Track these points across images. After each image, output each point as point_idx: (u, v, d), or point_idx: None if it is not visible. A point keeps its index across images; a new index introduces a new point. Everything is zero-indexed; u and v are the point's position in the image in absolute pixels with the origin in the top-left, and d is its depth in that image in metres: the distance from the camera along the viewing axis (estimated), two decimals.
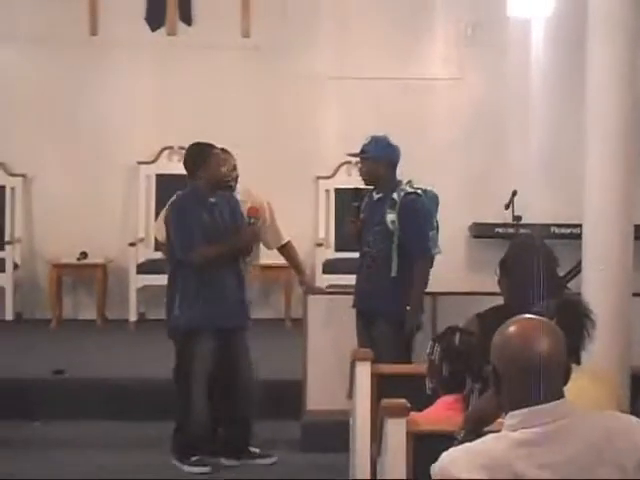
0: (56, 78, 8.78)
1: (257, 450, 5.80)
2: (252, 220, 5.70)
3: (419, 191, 5.60)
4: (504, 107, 8.86)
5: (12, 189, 8.81)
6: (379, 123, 8.40)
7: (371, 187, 5.70)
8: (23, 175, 8.82)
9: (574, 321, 3.13)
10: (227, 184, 5.81)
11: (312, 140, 8.66)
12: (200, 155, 5.67)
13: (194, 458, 5.61)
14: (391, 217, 5.53)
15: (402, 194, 5.54)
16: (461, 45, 8.98)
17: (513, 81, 8.89)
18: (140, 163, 8.72)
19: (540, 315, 2.49)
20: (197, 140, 5.81)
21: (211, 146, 5.72)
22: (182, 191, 5.83)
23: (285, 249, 6.22)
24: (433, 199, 5.67)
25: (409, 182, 5.64)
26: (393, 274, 5.49)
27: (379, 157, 5.59)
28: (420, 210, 5.56)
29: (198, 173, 5.64)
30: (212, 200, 5.66)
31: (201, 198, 5.64)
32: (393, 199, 5.54)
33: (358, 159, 5.86)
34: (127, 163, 8.77)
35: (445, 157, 8.77)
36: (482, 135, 8.83)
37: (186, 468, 5.59)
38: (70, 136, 8.76)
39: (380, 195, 5.62)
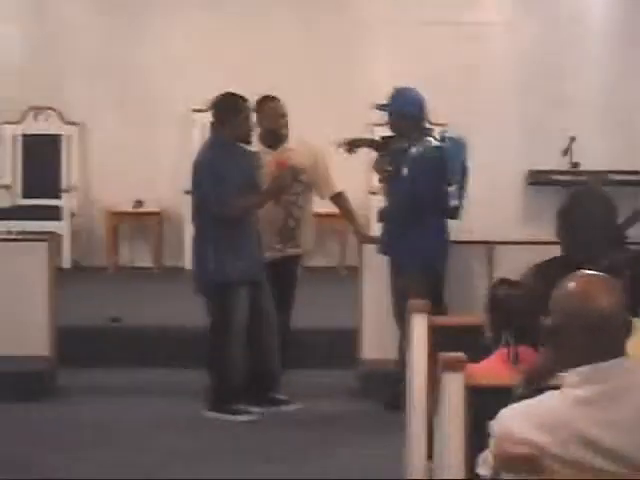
0: (111, 28, 8.79)
1: (283, 397, 5.82)
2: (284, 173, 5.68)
3: (445, 141, 5.56)
4: (561, 52, 8.72)
5: (68, 137, 8.87)
6: (432, 68, 8.37)
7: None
8: (78, 123, 8.86)
9: None
10: (250, 139, 5.76)
11: (365, 86, 8.58)
12: (232, 106, 5.63)
13: (236, 407, 5.64)
14: (405, 171, 5.55)
15: (420, 149, 5.53)
16: None
17: (570, 25, 8.73)
18: (194, 110, 8.71)
19: (607, 268, 2.45)
20: (240, 89, 5.75)
21: (242, 98, 5.68)
22: (208, 141, 5.82)
23: (338, 199, 6.18)
24: (461, 148, 5.60)
25: (442, 131, 5.62)
26: (409, 221, 5.52)
27: (400, 111, 5.58)
28: (430, 164, 5.51)
29: (227, 124, 5.60)
30: (235, 151, 5.62)
31: (227, 149, 5.61)
32: (410, 153, 5.54)
33: None
34: (181, 111, 8.77)
35: (500, 103, 8.67)
36: (538, 81, 8.70)
37: (233, 417, 5.59)
38: (124, 85, 8.79)
39: (405, 146, 5.61)
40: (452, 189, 5.54)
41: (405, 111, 5.58)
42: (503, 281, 3.57)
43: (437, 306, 5.35)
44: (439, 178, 5.53)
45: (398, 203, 5.64)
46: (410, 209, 5.54)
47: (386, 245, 5.74)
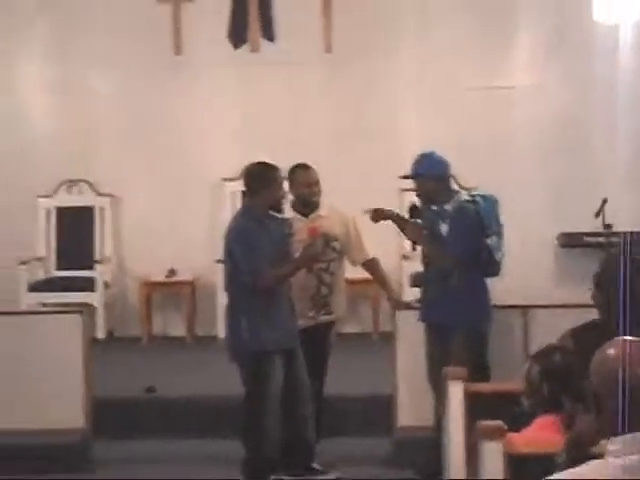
0: (142, 98, 8.88)
1: (319, 467, 5.77)
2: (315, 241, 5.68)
3: (476, 198, 5.58)
4: (589, 114, 8.73)
5: (101, 209, 8.94)
6: (464, 134, 8.40)
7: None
8: (111, 195, 8.95)
9: None
10: (282, 207, 5.79)
11: (395, 151, 8.62)
12: (265, 176, 5.66)
13: (273, 478, 5.60)
14: (444, 228, 5.56)
15: (454, 205, 5.54)
16: (545, 51, 8.86)
17: (598, 88, 8.75)
18: (225, 180, 8.77)
19: None
20: (269, 159, 5.79)
21: (275, 167, 5.71)
22: (240, 210, 5.88)
23: (370, 265, 6.18)
24: (493, 204, 5.62)
25: (471, 190, 5.63)
26: (453, 283, 5.48)
27: (429, 175, 5.60)
28: (469, 217, 5.51)
29: (259, 194, 5.63)
30: (267, 220, 5.66)
31: (258, 219, 5.64)
32: (446, 210, 5.56)
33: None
34: (212, 180, 8.83)
35: (532, 166, 8.67)
36: (567, 143, 8.70)
37: None
38: (155, 155, 8.86)
39: (436, 208, 5.64)
40: (492, 242, 5.52)
41: (434, 173, 5.60)
42: (553, 348, 3.54)
43: (482, 370, 5.31)
44: (479, 230, 5.51)
45: (440, 264, 5.60)
46: (453, 268, 5.50)
47: (426, 310, 5.71)
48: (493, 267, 5.59)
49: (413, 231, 5.75)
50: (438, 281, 5.60)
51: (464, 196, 5.68)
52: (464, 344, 5.40)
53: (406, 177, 5.81)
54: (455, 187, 5.77)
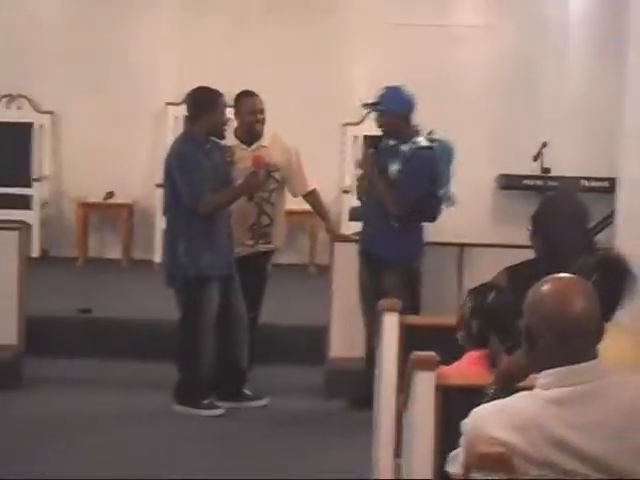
0: (85, 15, 8.73)
1: (250, 392, 5.83)
2: (258, 170, 5.66)
3: (434, 143, 5.53)
4: (536, 57, 8.77)
5: (40, 126, 8.81)
6: (410, 70, 8.37)
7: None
8: (51, 112, 8.81)
9: (615, 278, 3.08)
10: (223, 133, 5.74)
11: (341, 86, 8.60)
12: (208, 100, 5.60)
13: (206, 401, 5.65)
14: (395, 167, 5.53)
15: (413, 147, 5.50)
16: None
17: (547, 30, 8.79)
18: (168, 104, 8.69)
19: (577, 272, 2.47)
20: (210, 84, 5.73)
21: (218, 92, 5.64)
22: (181, 135, 5.83)
23: (310, 196, 6.19)
24: (447, 150, 5.56)
25: (430, 132, 5.59)
26: (392, 221, 5.51)
27: (391, 109, 5.53)
28: (421, 165, 5.48)
29: (201, 118, 5.58)
30: (208, 146, 5.62)
31: (199, 144, 5.60)
32: (401, 150, 5.51)
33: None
34: (156, 104, 8.74)
35: (474, 106, 8.70)
36: (513, 85, 8.74)
37: (202, 412, 5.60)
38: (100, 76, 8.73)
39: (394, 144, 5.57)
40: (442, 192, 5.51)
41: (397, 109, 5.52)
42: (488, 287, 3.59)
43: (415, 306, 5.38)
44: (428, 179, 5.49)
45: (382, 202, 5.56)
46: (405, 215, 5.48)
47: (366, 243, 5.73)
48: (434, 215, 5.61)
49: (365, 160, 5.67)
50: (377, 217, 5.62)
51: (423, 140, 5.54)
52: (399, 279, 5.45)
53: (367, 106, 5.78)
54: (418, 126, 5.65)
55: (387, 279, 5.51)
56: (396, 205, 5.49)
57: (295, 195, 6.22)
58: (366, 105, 5.80)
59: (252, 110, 5.91)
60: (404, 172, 5.50)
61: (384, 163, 5.58)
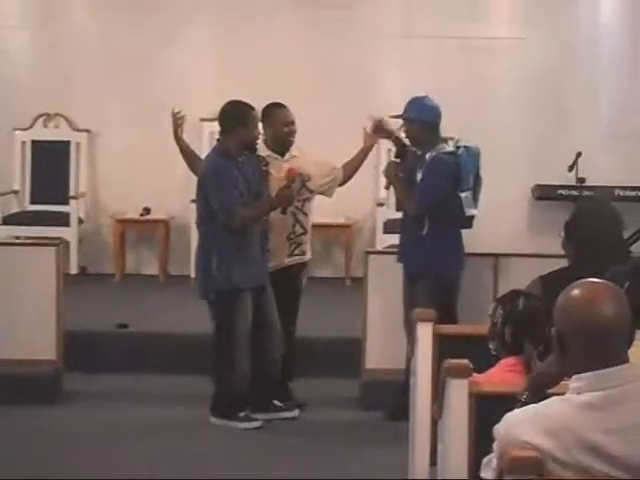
0: (122, 35, 8.82)
1: (281, 404, 5.84)
2: (289, 182, 5.68)
3: (459, 150, 5.59)
4: (569, 68, 8.76)
5: (77, 144, 8.91)
6: (441, 82, 8.40)
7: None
8: (88, 130, 8.91)
9: None
10: (256, 147, 5.77)
11: (373, 99, 8.62)
12: (240, 114, 5.65)
13: (242, 414, 5.67)
14: (420, 175, 5.60)
15: (434, 153, 5.55)
16: (526, 3, 8.87)
17: (579, 42, 8.77)
18: (203, 120, 8.75)
19: (611, 278, 2.47)
20: (248, 99, 5.76)
21: (251, 107, 5.70)
22: (214, 150, 5.86)
23: (347, 168, 6.08)
24: (474, 157, 5.63)
25: (457, 141, 5.65)
26: (424, 232, 5.53)
27: (418, 119, 5.61)
28: (444, 169, 5.52)
29: (234, 132, 5.63)
30: (241, 160, 5.66)
31: (232, 158, 5.63)
32: (425, 158, 5.58)
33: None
34: (191, 119, 8.78)
35: (508, 118, 8.70)
36: (546, 96, 8.73)
37: (239, 424, 5.63)
38: (134, 93, 8.81)
39: (421, 153, 5.65)
40: (464, 195, 5.56)
41: (422, 118, 5.61)
42: (517, 293, 3.59)
43: (449, 316, 5.37)
44: (449, 180, 5.55)
45: (406, 209, 5.66)
46: (416, 217, 5.56)
47: (399, 253, 5.77)
48: (464, 221, 5.63)
49: (389, 168, 5.77)
50: (411, 228, 5.65)
51: (448, 147, 5.67)
52: (430, 292, 5.45)
53: (396, 117, 5.83)
54: (443, 136, 5.74)
55: (417, 289, 5.53)
56: (413, 203, 5.56)
57: (330, 195, 6.16)
58: (393, 116, 5.85)
59: (285, 122, 5.94)
60: (424, 173, 5.58)
61: (412, 172, 5.64)
